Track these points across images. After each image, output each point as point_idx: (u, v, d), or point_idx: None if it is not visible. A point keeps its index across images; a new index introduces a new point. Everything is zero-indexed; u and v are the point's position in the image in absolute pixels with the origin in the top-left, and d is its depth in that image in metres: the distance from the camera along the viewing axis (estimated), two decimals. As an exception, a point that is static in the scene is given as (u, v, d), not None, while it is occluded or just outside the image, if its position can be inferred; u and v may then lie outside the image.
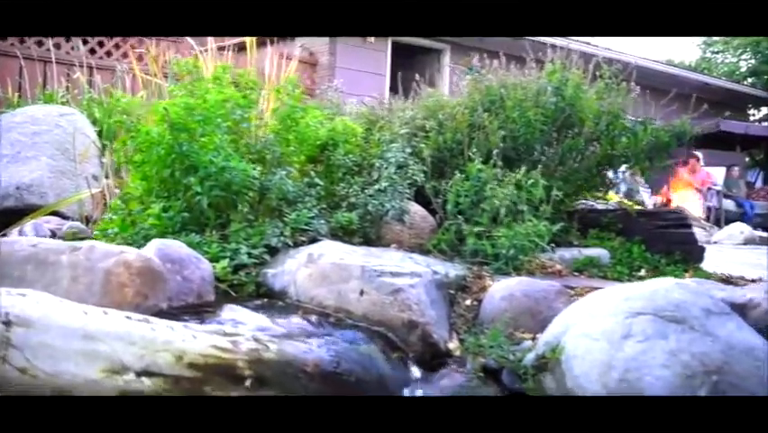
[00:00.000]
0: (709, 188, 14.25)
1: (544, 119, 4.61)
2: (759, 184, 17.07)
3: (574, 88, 4.70)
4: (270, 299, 3.52)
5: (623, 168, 11.46)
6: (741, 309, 2.81)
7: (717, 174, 14.66)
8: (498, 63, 5.08)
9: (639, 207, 5.17)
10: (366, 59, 12.10)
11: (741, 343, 2.56)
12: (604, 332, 2.66)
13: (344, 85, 7.68)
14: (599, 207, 5.08)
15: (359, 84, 10.49)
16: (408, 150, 4.26)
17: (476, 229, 3.89)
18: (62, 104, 6.37)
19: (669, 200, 11.65)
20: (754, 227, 11.39)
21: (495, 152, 4.21)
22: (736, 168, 15.24)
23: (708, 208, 14.10)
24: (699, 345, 2.51)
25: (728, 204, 14.39)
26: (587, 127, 4.62)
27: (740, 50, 17.99)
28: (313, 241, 3.82)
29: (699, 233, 10.21)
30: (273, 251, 3.75)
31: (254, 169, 3.90)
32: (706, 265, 4.58)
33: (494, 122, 4.53)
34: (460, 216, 4.13)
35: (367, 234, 4.11)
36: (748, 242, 9.63)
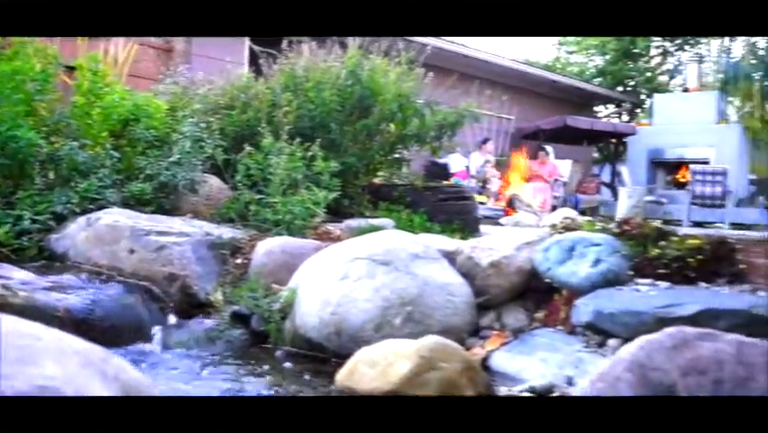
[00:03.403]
0: (556, 180, 15.24)
1: (341, 100, 4.98)
2: (607, 178, 18.28)
3: (370, 72, 5.09)
4: (51, 261, 3.71)
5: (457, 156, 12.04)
6: (451, 256, 3.26)
7: (564, 167, 15.68)
8: (306, 47, 5.40)
9: (433, 184, 5.63)
10: (224, 47, 12.13)
11: (437, 280, 3.01)
12: (327, 275, 3.04)
13: (201, 72, 7.73)
14: (397, 182, 5.50)
15: (217, 72, 10.56)
16: (203, 125, 4.51)
17: (257, 197, 4.20)
18: None
19: (503, 187, 12.39)
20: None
21: (286, 128, 4.53)
22: (570, 162, 16.32)
23: (556, 198, 15.09)
24: (399, 282, 2.93)
25: (560, 197, 15.40)
26: (381, 109, 5.02)
27: (591, 51, 19.23)
28: (102, 209, 4.00)
29: (529, 218, 11.02)
30: (61, 218, 3.92)
31: (43, 139, 4.05)
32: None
33: (293, 102, 4.86)
34: (254, 188, 4.42)
35: (162, 204, 4.33)
36: (604, 230, 10.44)
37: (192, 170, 4.33)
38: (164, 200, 4.35)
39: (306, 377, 2.72)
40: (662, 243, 3.06)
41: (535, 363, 2.68)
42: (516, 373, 2.67)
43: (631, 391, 1.94)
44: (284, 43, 5.42)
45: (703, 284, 2.86)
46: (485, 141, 11.54)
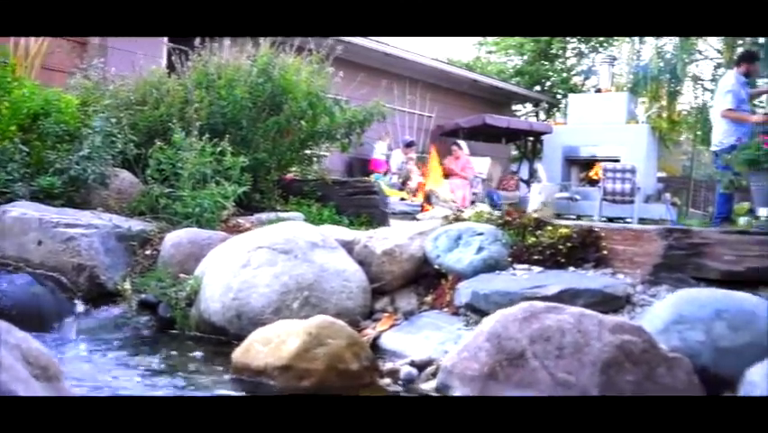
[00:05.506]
0: (475, 177, 15.68)
1: (253, 97, 5.14)
2: (525, 175, 18.87)
3: (281, 71, 5.26)
4: (-43, 255, 3.75)
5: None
6: (349, 245, 3.49)
7: (483, 164, 16.13)
8: (220, 45, 5.51)
9: (339, 178, 5.84)
10: (141, 41, 12.03)
11: (334, 267, 3.23)
12: (230, 263, 3.23)
13: (117, 66, 7.67)
14: (309, 177, 5.69)
15: (133, 66, 10.42)
16: (115, 120, 4.59)
17: (167, 191, 4.33)
18: None
19: (421, 184, 12.73)
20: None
21: (198, 124, 4.66)
22: (489, 159, 16.84)
23: (474, 194, 15.53)
24: (298, 269, 3.14)
25: (477, 193, 15.87)
26: (292, 107, 5.20)
27: (510, 51, 19.83)
28: (10, 202, 4.05)
29: (446, 213, 11.34)
30: (-32, 212, 3.95)
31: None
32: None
33: (205, 98, 4.99)
34: (164, 182, 4.53)
35: (72, 198, 4.39)
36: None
37: (103, 165, 4.41)
38: (74, 194, 4.41)
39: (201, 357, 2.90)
40: (539, 232, 3.36)
41: (420, 341, 2.94)
42: (402, 351, 2.92)
43: (489, 358, 2.21)
44: (197, 41, 5.52)
45: (572, 268, 3.18)
46: (410, 144, 11.74)
